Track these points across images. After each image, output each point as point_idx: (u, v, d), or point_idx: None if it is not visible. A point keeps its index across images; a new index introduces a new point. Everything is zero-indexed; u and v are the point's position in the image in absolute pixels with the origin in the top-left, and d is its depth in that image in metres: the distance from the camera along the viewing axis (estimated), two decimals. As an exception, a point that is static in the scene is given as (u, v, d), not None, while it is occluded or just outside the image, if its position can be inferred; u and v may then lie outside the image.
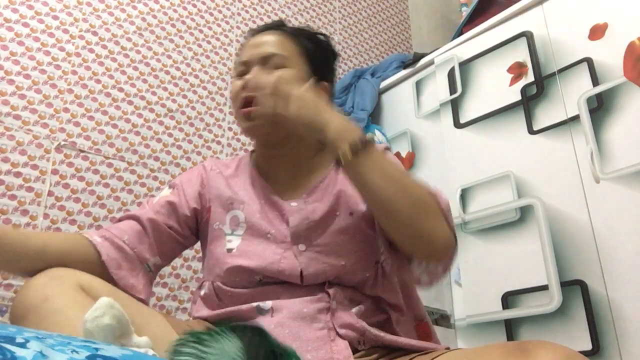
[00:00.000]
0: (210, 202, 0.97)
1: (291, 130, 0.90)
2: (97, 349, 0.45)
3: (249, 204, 0.93)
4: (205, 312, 0.88)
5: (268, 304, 0.83)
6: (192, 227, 0.98)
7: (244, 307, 0.84)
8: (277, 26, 1.01)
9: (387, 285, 0.89)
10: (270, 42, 0.97)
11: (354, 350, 0.81)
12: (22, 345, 0.40)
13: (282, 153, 0.97)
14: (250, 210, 0.92)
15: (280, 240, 0.88)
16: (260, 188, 0.96)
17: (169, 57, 1.85)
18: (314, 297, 0.83)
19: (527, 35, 1.81)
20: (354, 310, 0.84)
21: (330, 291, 0.84)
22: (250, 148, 1.96)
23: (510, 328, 1.56)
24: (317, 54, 1.00)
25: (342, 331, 0.81)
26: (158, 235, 0.92)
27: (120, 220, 0.93)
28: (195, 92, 1.88)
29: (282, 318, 0.81)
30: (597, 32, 1.64)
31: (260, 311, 0.83)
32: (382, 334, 0.83)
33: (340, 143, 0.79)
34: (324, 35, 1.06)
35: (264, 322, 0.81)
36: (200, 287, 0.92)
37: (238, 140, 1.94)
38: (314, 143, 0.95)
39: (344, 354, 0.79)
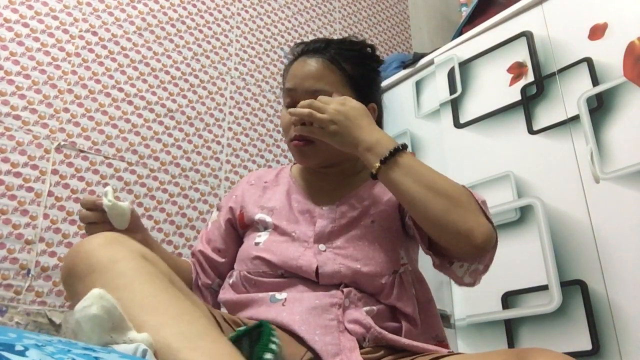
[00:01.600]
0: (243, 210, 1.06)
1: (340, 157, 0.99)
2: (97, 358, 0.44)
3: (278, 209, 1.01)
4: (229, 294, 0.96)
5: (283, 294, 0.88)
6: (234, 234, 1.08)
7: (260, 294, 0.90)
8: (321, 50, 1.02)
9: (403, 295, 0.91)
10: (315, 75, 0.99)
11: (359, 347, 0.83)
12: (21, 354, 0.40)
13: (327, 172, 1.04)
14: (280, 215, 1.00)
15: (303, 239, 0.94)
16: (296, 194, 1.03)
17: (169, 57, 1.85)
18: (328, 293, 0.87)
19: (527, 35, 1.81)
20: (365, 309, 0.86)
21: (345, 290, 0.87)
22: (250, 149, 1.96)
23: (510, 328, 1.56)
24: (362, 79, 1.02)
25: (349, 326, 0.84)
26: (209, 262, 1.06)
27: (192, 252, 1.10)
28: (195, 92, 1.88)
29: (294, 308, 0.85)
30: (597, 32, 1.64)
31: (274, 299, 0.88)
32: (385, 332, 0.84)
33: (370, 158, 0.87)
34: (370, 47, 1.07)
35: (275, 309, 0.86)
36: (230, 276, 1.00)
37: (238, 140, 1.94)
38: (360, 163, 1.03)
39: (350, 345, 0.81)
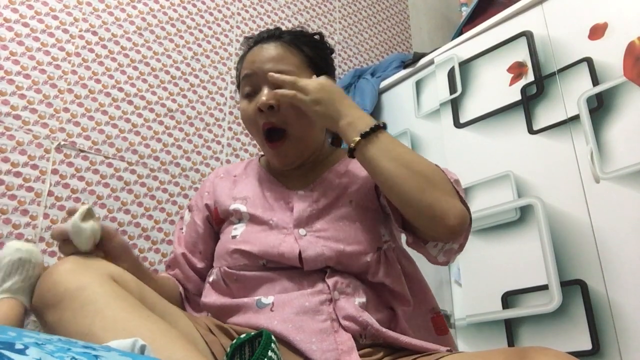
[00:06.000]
0: (216, 204, 1.02)
1: (315, 148, 1.00)
2: (97, 357, 0.44)
3: (252, 198, 0.98)
4: (212, 298, 0.92)
5: (270, 298, 0.85)
6: (214, 233, 1.05)
7: (246, 300, 0.86)
8: (276, 36, 1.01)
9: (390, 272, 0.90)
10: (276, 57, 0.97)
11: (357, 344, 0.82)
12: (21, 352, 0.40)
13: (300, 164, 1.03)
14: (254, 204, 0.97)
15: (282, 226, 0.92)
16: (267, 182, 1.01)
17: (169, 57, 1.85)
18: (315, 290, 0.84)
19: (527, 35, 1.81)
20: (357, 302, 0.84)
21: (330, 282, 0.85)
22: (251, 149, 1.96)
23: (510, 328, 1.57)
24: (318, 57, 1.02)
25: (345, 323, 0.82)
26: (193, 267, 1.03)
27: (169, 264, 1.07)
28: (195, 92, 1.88)
29: (284, 313, 0.82)
30: (597, 32, 1.64)
31: (260, 304, 0.85)
32: (383, 329, 0.83)
33: (351, 133, 0.87)
34: (319, 34, 1.07)
35: (264, 315, 0.83)
36: (209, 275, 0.97)
37: (238, 140, 1.94)
38: (328, 148, 1.04)
39: (347, 345, 0.80)
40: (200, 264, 1.02)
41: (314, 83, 0.91)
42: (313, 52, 1.01)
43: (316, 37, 1.06)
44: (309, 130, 0.98)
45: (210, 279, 0.96)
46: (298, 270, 0.87)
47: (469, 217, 0.86)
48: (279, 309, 0.83)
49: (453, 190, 0.86)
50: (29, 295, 0.93)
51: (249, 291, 0.88)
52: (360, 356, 0.80)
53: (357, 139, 0.85)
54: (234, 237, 0.94)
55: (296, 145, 0.97)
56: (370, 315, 0.84)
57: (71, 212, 0.82)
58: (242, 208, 0.96)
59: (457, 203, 0.84)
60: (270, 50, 0.98)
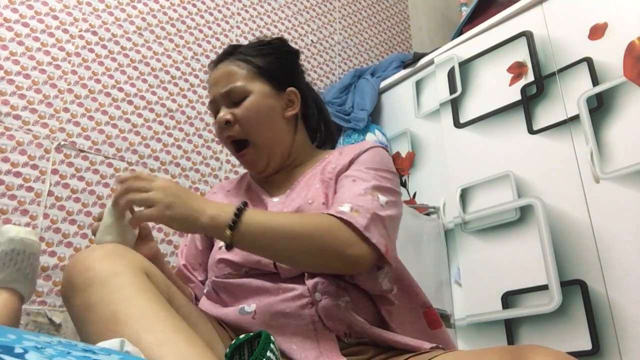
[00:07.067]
0: None
1: (286, 153, 1.01)
2: None
3: None
4: (206, 307, 0.94)
5: (252, 306, 0.86)
6: (211, 244, 1.06)
7: (232, 308, 0.88)
8: (228, 54, 1.03)
9: (373, 273, 0.87)
10: (224, 77, 1.00)
11: (342, 343, 0.82)
12: (20, 356, 0.39)
13: (279, 168, 1.04)
14: None
15: None
16: (253, 192, 1.03)
17: (169, 57, 1.85)
18: (295, 294, 0.85)
19: (527, 35, 1.81)
20: (340, 301, 0.84)
21: (310, 283, 0.85)
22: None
23: (510, 328, 1.57)
24: (273, 66, 1.02)
25: (328, 323, 0.82)
26: (192, 276, 1.04)
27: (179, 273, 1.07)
28: (195, 92, 1.88)
29: (265, 318, 0.84)
30: (597, 32, 1.64)
31: (243, 312, 0.86)
32: (367, 326, 0.83)
33: (219, 229, 0.79)
34: (278, 40, 1.07)
35: (248, 324, 0.84)
36: (206, 286, 0.99)
37: (238, 140, 1.94)
38: (306, 152, 1.05)
39: (330, 345, 0.80)
40: (201, 277, 1.04)
41: (158, 188, 0.81)
42: (264, 60, 1.01)
43: (276, 42, 1.06)
44: (270, 136, 1.00)
45: (205, 290, 0.98)
46: (278, 275, 0.88)
47: (376, 249, 0.82)
48: (260, 316, 0.84)
49: (350, 234, 0.82)
50: (23, 283, 0.93)
51: (236, 298, 0.90)
52: (348, 355, 0.81)
53: (229, 233, 0.78)
54: (220, 247, 0.95)
55: (261, 152, 0.99)
56: (354, 314, 0.84)
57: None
58: None
59: (357, 248, 0.81)
60: (220, 71, 1.01)
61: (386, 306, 0.89)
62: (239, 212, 0.79)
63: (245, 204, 0.81)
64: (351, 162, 0.96)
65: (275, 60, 1.03)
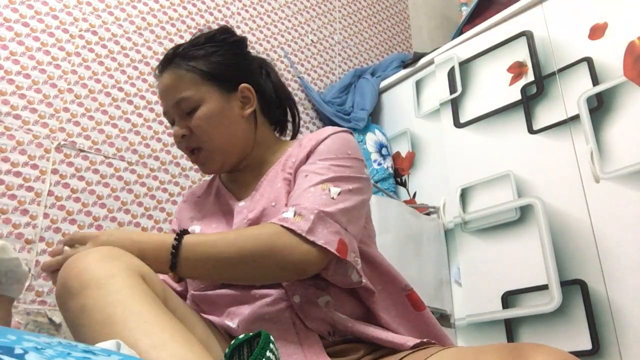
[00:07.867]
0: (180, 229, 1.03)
1: (243, 150, 0.99)
2: None
3: (209, 217, 1.00)
4: None
5: (235, 321, 0.86)
6: None
7: (217, 320, 0.88)
8: (168, 60, 0.99)
9: (340, 268, 0.86)
10: (171, 88, 0.97)
11: (327, 342, 0.82)
12: (20, 357, 0.39)
13: (243, 166, 1.02)
14: (210, 221, 0.98)
15: None
16: (222, 196, 1.02)
17: (169, 56, 1.85)
18: (273, 298, 0.84)
19: (527, 35, 1.81)
20: (320, 300, 0.84)
21: (286, 286, 0.84)
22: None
23: (510, 328, 1.57)
24: (219, 67, 0.98)
25: (309, 324, 0.82)
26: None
27: None
28: (195, 91, 1.88)
29: (246, 326, 0.84)
30: (597, 31, 1.64)
31: (227, 327, 0.86)
32: (350, 323, 0.83)
33: (162, 266, 0.80)
34: (221, 30, 1.02)
35: (233, 332, 0.85)
36: (186, 300, 0.98)
37: (238, 139, 1.94)
38: (276, 141, 1.03)
39: (314, 346, 0.80)
40: (179, 287, 1.03)
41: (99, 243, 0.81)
42: (208, 62, 0.97)
43: (218, 36, 1.01)
44: (227, 140, 0.97)
45: (187, 302, 0.97)
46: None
47: (325, 250, 0.80)
48: (243, 323, 0.84)
49: (296, 241, 0.80)
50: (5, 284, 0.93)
51: (217, 307, 0.89)
52: (336, 353, 0.80)
53: (170, 259, 0.79)
54: None
55: (214, 155, 0.97)
56: (337, 312, 0.84)
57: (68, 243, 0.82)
58: (197, 228, 0.97)
59: (297, 254, 0.79)
60: (165, 81, 0.98)
61: (367, 296, 0.87)
62: (179, 237, 0.80)
63: (183, 233, 0.81)
64: (309, 155, 0.93)
65: (221, 59, 0.99)
